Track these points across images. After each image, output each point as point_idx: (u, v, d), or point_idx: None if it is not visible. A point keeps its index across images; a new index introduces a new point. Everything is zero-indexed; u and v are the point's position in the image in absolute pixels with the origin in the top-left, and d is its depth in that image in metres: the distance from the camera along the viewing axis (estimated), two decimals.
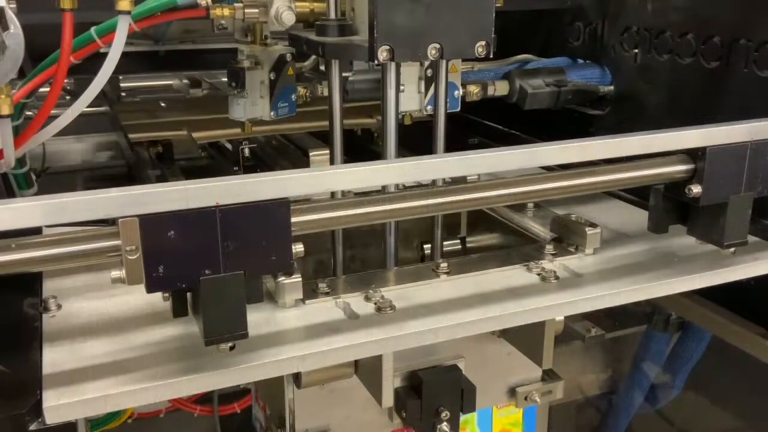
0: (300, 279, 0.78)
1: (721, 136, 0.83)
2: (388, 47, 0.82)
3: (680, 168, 0.84)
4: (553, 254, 0.91)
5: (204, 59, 1.43)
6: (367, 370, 0.89)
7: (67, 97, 1.32)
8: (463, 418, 0.93)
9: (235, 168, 1.38)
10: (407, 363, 0.90)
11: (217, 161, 1.40)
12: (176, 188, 0.61)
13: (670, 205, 0.88)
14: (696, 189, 0.83)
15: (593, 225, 0.94)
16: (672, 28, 1.12)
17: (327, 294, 0.81)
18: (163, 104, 1.54)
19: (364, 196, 0.76)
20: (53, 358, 0.68)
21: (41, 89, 0.87)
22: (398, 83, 0.91)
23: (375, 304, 0.79)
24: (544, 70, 1.25)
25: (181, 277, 0.62)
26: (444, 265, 0.87)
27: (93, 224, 0.62)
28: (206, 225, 0.62)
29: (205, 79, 1.46)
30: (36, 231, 0.61)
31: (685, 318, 1.48)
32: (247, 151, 1.41)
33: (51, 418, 0.61)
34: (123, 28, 0.82)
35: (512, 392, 1.05)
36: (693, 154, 0.84)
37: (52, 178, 1.43)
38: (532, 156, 0.78)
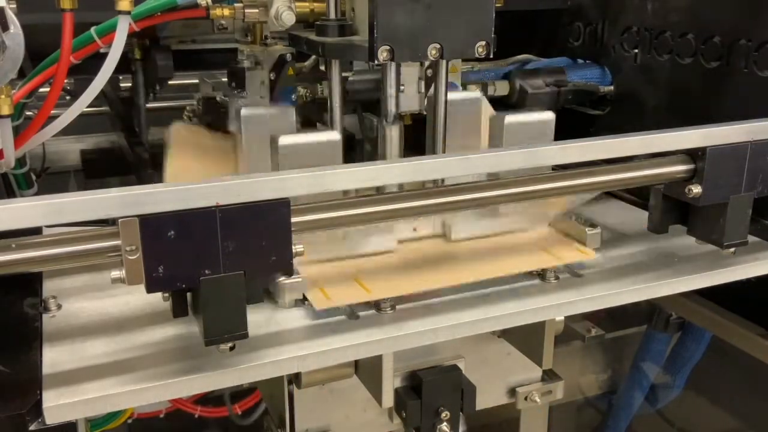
0: (300, 279, 0.78)
1: (721, 136, 0.83)
2: (388, 47, 0.81)
3: (680, 168, 0.84)
4: None
5: (204, 59, 1.43)
6: (367, 370, 0.89)
7: (67, 97, 1.32)
8: None
9: None
10: (407, 363, 0.90)
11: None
12: (176, 188, 0.61)
13: (670, 205, 0.88)
14: (696, 189, 0.83)
15: (593, 225, 0.93)
16: (672, 28, 1.12)
17: None
18: None
19: (364, 196, 0.76)
20: (53, 358, 0.68)
21: (41, 89, 0.87)
22: (398, 83, 0.91)
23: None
24: (544, 70, 1.25)
25: (181, 277, 0.62)
26: None
27: (93, 224, 0.62)
28: (206, 225, 0.62)
29: (206, 79, 1.46)
30: (36, 231, 0.61)
31: (685, 318, 1.48)
32: None
33: (51, 418, 0.61)
34: (123, 28, 0.82)
35: (512, 392, 1.05)
36: (693, 154, 0.84)
37: (52, 178, 1.43)
38: (532, 156, 0.78)
